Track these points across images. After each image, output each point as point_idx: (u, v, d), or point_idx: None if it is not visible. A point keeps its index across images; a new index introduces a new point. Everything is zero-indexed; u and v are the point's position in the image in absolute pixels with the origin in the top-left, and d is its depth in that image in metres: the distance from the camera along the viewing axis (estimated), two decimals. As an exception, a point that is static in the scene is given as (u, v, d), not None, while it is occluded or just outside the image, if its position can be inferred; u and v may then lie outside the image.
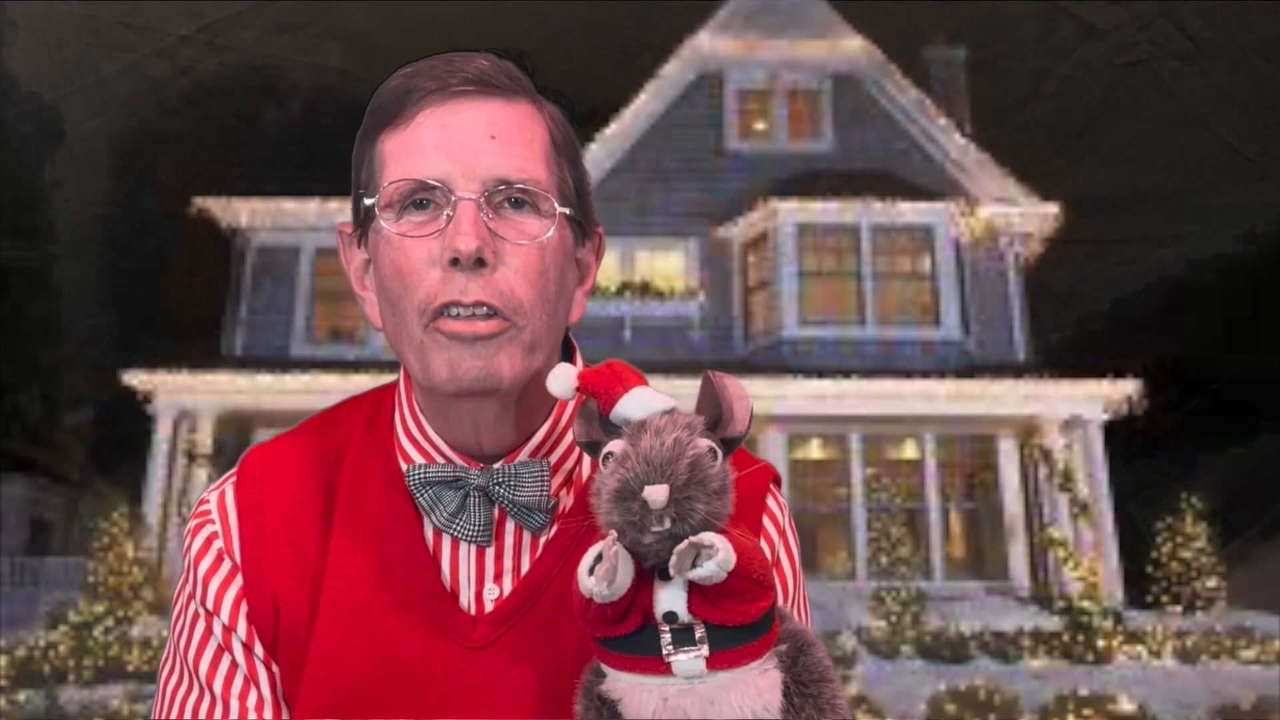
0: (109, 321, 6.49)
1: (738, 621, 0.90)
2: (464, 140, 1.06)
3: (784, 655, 0.94)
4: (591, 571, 0.89)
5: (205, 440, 6.69)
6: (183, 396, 6.68)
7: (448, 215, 1.05)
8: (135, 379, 6.55)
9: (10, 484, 6.26)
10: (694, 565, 0.87)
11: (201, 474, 6.58)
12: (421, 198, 1.06)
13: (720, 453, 0.91)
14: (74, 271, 6.51)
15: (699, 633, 0.90)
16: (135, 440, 6.51)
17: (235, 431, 6.70)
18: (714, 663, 0.90)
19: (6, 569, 6.23)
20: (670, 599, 0.90)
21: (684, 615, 0.90)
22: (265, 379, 6.72)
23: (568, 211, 1.10)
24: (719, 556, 0.86)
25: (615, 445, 0.91)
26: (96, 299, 6.49)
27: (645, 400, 0.93)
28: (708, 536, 0.87)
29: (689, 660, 0.90)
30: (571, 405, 1.12)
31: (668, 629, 0.90)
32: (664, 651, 0.90)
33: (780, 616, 0.97)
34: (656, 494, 0.86)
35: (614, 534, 0.89)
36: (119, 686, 5.82)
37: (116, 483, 6.38)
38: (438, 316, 1.05)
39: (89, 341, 6.47)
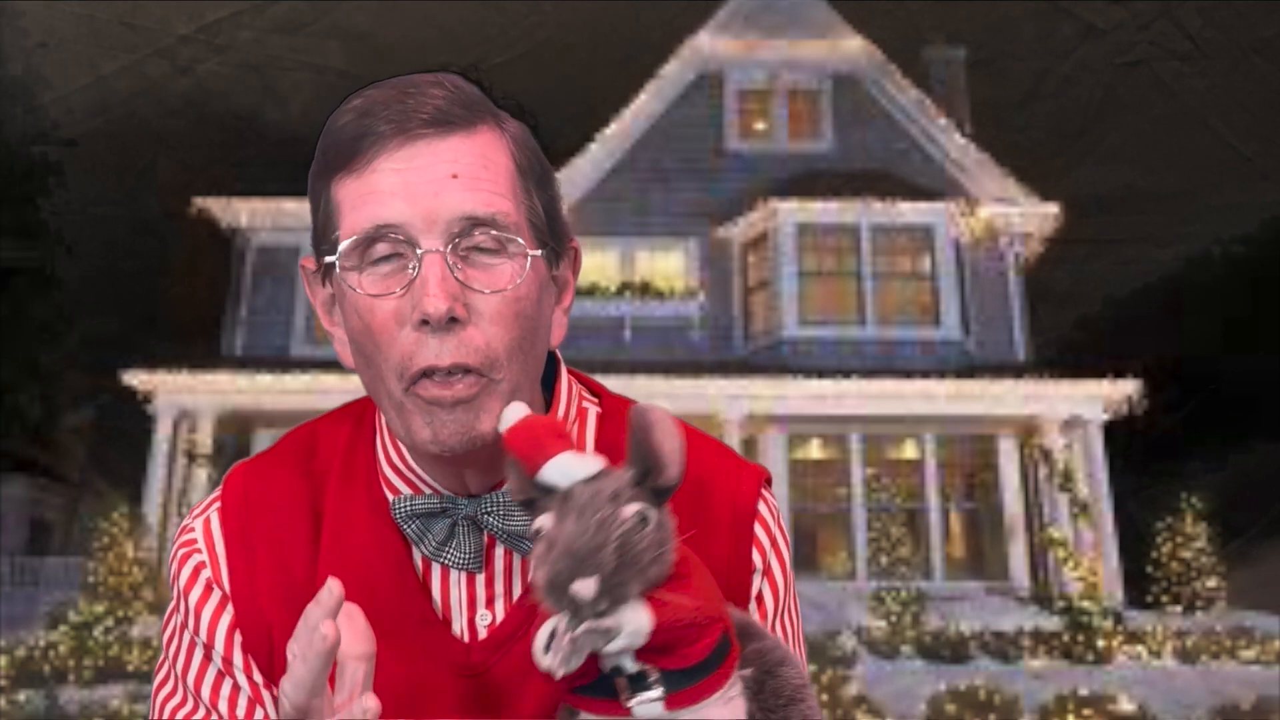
0: (109, 321, 6.50)
1: (686, 664, 0.89)
2: (423, 182, 1.01)
3: (750, 681, 0.93)
4: (547, 648, 0.87)
5: (205, 440, 6.70)
6: (183, 396, 6.69)
7: (413, 268, 1.00)
8: (135, 379, 6.57)
9: (10, 484, 6.27)
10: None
11: (201, 474, 6.59)
12: (384, 252, 1.02)
13: (652, 515, 0.89)
14: (74, 271, 6.52)
15: (652, 677, 0.89)
16: (135, 440, 6.53)
17: (235, 431, 6.71)
18: (673, 703, 0.89)
19: (6, 569, 6.25)
20: (615, 655, 0.88)
21: (631, 667, 0.89)
22: (265, 379, 6.72)
23: (539, 253, 1.05)
24: (627, 631, 0.85)
25: (543, 520, 0.89)
26: (96, 299, 6.50)
27: (567, 468, 0.90)
28: (608, 620, 0.85)
29: (648, 705, 0.89)
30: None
31: (622, 678, 0.89)
32: (622, 698, 0.90)
33: (745, 636, 0.95)
34: (584, 590, 0.84)
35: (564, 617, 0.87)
36: (119, 686, 5.83)
37: (116, 483, 6.40)
38: (416, 381, 1.01)
39: (89, 341, 6.48)
